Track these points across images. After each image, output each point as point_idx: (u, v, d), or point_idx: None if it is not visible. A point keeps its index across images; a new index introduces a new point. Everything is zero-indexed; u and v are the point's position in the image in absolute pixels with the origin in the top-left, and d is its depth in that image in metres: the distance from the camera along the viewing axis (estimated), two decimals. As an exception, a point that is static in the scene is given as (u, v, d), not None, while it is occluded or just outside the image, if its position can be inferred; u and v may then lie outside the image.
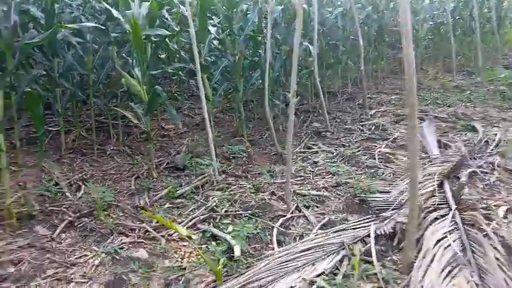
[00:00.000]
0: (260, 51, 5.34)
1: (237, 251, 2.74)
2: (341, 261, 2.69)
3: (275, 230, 3.15)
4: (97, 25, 4.27)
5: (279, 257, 2.68)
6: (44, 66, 4.65)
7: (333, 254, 2.74)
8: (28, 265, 2.76)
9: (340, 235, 2.97)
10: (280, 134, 5.56)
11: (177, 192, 3.96)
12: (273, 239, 3.04)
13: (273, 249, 2.93)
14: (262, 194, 3.87)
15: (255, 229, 3.17)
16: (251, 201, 3.69)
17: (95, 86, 4.92)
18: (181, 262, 2.83)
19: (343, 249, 2.78)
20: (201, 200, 3.81)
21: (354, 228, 3.07)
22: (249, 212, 3.47)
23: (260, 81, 5.99)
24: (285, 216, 3.40)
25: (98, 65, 4.98)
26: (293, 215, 3.44)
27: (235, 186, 4.11)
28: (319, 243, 2.85)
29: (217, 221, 3.38)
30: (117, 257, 2.85)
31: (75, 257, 2.89)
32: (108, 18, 4.86)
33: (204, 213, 3.49)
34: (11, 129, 4.20)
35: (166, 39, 4.91)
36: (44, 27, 4.37)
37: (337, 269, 2.63)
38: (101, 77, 4.90)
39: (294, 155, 5.03)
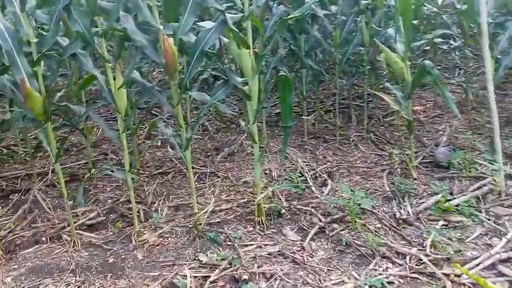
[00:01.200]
0: None
1: None
2: None
3: None
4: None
5: None
6: (286, 45, 4.28)
7: None
8: (280, 282, 2.35)
9: None
10: None
11: (450, 202, 2.98)
12: None
13: None
14: None
15: None
16: None
17: (341, 63, 4.29)
18: (486, 330, 1.89)
19: None
20: (490, 222, 2.72)
21: None
22: None
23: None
24: None
25: (344, 39, 4.31)
26: None
27: (541, 205, 2.82)
28: None
29: (530, 264, 2.25)
30: (387, 297, 2.14)
31: (332, 282, 2.33)
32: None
33: (504, 247, 2.40)
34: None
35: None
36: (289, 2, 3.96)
37: None
38: (348, 52, 4.21)
39: None
